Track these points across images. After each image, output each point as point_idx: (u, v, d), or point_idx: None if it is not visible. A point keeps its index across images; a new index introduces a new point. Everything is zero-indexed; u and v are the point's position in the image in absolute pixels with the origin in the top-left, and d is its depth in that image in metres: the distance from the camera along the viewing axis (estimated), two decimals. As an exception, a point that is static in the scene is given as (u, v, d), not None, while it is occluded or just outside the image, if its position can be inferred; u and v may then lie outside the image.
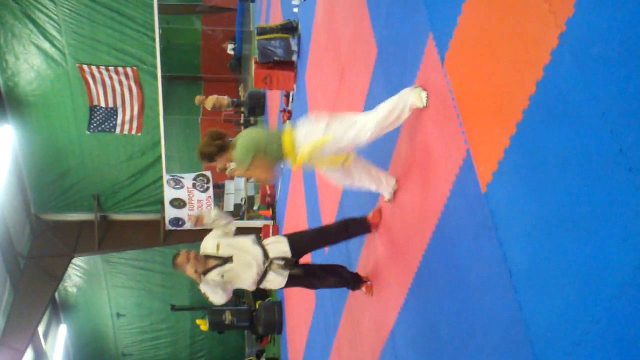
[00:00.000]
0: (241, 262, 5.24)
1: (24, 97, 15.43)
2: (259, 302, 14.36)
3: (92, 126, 16.15)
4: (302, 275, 5.52)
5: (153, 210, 17.67)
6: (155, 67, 15.39)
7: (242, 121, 17.46)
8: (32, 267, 16.34)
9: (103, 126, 16.25)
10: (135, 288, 19.90)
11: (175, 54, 18.71)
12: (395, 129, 4.97)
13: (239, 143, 4.82)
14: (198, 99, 16.17)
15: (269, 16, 14.41)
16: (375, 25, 5.75)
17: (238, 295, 17.26)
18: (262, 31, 10.68)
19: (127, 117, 16.31)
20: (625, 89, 2.36)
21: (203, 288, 5.14)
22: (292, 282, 5.51)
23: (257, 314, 13.87)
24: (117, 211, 17.84)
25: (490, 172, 3.39)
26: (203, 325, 15.33)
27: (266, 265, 5.30)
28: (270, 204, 15.15)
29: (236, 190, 17.19)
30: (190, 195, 16.11)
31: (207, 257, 5.26)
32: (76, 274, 19.11)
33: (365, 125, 4.54)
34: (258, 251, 5.31)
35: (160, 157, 16.16)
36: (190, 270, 5.10)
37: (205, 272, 5.20)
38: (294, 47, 10.53)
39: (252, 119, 17.13)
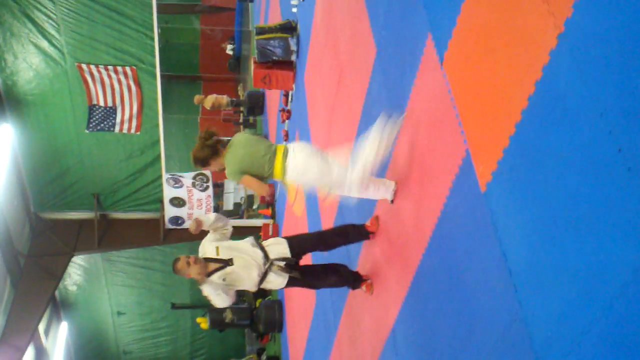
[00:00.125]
0: (242, 264, 5.25)
1: (22, 96, 15.43)
2: (259, 300, 14.38)
3: (91, 125, 16.16)
4: (303, 276, 5.55)
5: (153, 209, 17.69)
6: (154, 67, 15.40)
7: (241, 120, 17.46)
8: (32, 265, 16.36)
9: (102, 125, 16.26)
10: (136, 286, 19.92)
11: (174, 54, 18.69)
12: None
13: (228, 157, 4.99)
14: (197, 98, 16.17)
15: (267, 16, 14.41)
16: (374, 25, 5.76)
17: (239, 294, 17.28)
18: (261, 31, 10.69)
19: (126, 116, 16.32)
20: (624, 89, 2.37)
21: (206, 291, 5.16)
22: (292, 282, 5.53)
23: (257, 312, 13.90)
24: (117, 210, 17.87)
25: (490, 172, 3.40)
26: (203, 323, 15.35)
27: (267, 266, 5.33)
28: (270, 203, 15.17)
29: (235, 189, 17.20)
30: (190, 194, 16.13)
31: (207, 260, 5.26)
32: (76, 273, 19.13)
33: (352, 185, 4.93)
34: (258, 253, 5.33)
35: (159, 156, 16.17)
36: (194, 273, 5.10)
37: (207, 277, 5.22)
38: (293, 47, 10.54)
39: (251, 119, 17.13)
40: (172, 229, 17.17)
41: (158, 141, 16.08)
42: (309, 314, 9.33)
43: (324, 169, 4.97)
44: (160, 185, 16.44)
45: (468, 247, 3.70)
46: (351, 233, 5.71)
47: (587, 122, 2.57)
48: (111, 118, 16.22)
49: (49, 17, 14.83)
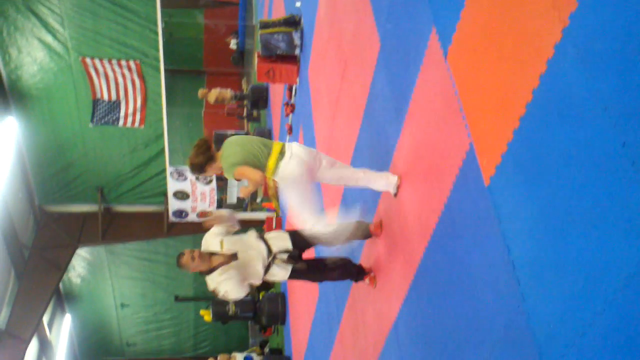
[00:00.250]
0: (247, 258, 5.28)
1: (27, 90, 15.45)
2: (262, 293, 14.42)
3: (95, 119, 16.18)
4: (306, 269, 5.59)
5: (156, 202, 17.73)
6: (158, 61, 15.40)
7: (244, 114, 17.46)
8: (37, 258, 16.41)
9: (106, 119, 16.27)
10: (139, 279, 19.97)
11: (178, 48, 18.68)
12: (399, 119, 5.02)
13: (223, 156, 5.05)
14: (201, 92, 16.18)
15: (271, 10, 14.39)
16: (378, 19, 5.76)
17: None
18: (265, 25, 10.68)
19: (130, 110, 16.34)
20: (629, 83, 2.37)
21: (224, 282, 5.18)
22: (295, 275, 5.58)
23: (260, 305, 13.93)
24: (121, 203, 17.90)
25: (494, 166, 3.41)
26: (207, 315, 15.39)
27: (270, 259, 5.36)
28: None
29: (239, 182, 17.22)
30: (194, 188, 16.16)
31: (211, 254, 5.30)
32: (80, 265, 19.19)
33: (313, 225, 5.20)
34: (262, 246, 5.37)
35: (163, 149, 16.20)
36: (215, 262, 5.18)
37: (210, 270, 5.25)
38: (297, 41, 10.53)
39: (254, 112, 17.13)
40: (175, 222, 17.21)
41: (162, 135, 16.10)
42: (311, 307, 9.35)
43: (303, 200, 5.12)
44: (164, 178, 16.47)
45: (471, 240, 3.71)
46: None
47: (591, 116, 2.58)
48: (115, 112, 16.23)
49: (53, 11, 14.83)
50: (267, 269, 5.38)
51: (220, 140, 14.80)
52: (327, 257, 6.00)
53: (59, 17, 14.82)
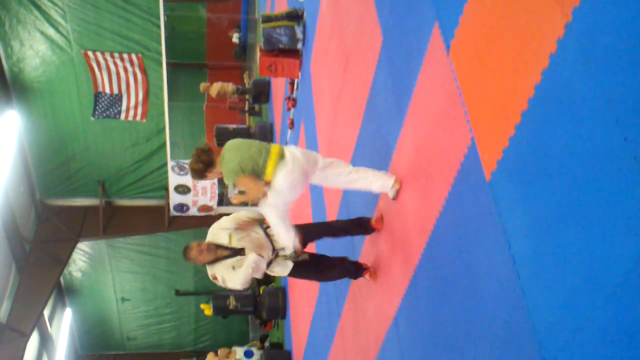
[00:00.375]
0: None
1: (29, 83, 15.43)
2: (263, 287, 14.44)
3: (96, 112, 16.16)
4: (307, 265, 5.63)
5: (158, 196, 17.72)
6: (160, 54, 15.38)
7: (246, 108, 17.46)
8: (38, 251, 16.42)
9: (108, 112, 16.26)
10: (140, 273, 19.98)
11: (180, 41, 18.67)
12: (400, 116, 5.02)
13: (223, 161, 5.05)
14: (203, 86, 16.17)
15: (274, 4, 14.38)
16: (381, 13, 5.75)
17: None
18: (267, 19, 10.67)
19: (132, 104, 16.32)
20: (631, 78, 2.37)
21: (251, 263, 5.20)
22: (295, 273, 5.64)
23: (261, 299, 13.96)
24: (122, 197, 17.90)
25: (495, 161, 3.41)
26: (207, 310, 15.41)
27: (273, 256, 5.40)
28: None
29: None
30: (195, 182, 16.16)
31: (218, 247, 5.32)
32: (81, 259, 19.21)
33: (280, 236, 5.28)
34: (269, 244, 5.42)
35: (164, 143, 16.18)
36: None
37: (214, 261, 5.27)
38: (299, 35, 10.52)
39: (256, 107, 17.12)
40: (177, 216, 17.21)
41: (163, 129, 16.08)
42: (312, 302, 9.36)
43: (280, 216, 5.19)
44: (166, 172, 16.46)
45: (472, 235, 3.71)
46: (355, 229, 5.83)
47: (593, 111, 2.58)
48: (117, 105, 16.22)
49: (55, 4, 14.80)
50: (269, 264, 5.42)
51: (222, 134, 14.86)
52: (326, 256, 6.03)
53: (61, 10, 14.80)
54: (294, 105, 11.68)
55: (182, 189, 16.31)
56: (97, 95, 16.01)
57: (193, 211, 16.93)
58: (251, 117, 17.94)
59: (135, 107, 16.34)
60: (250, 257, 5.16)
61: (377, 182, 5.16)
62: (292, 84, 11.76)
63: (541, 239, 2.93)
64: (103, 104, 16.09)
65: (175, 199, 16.58)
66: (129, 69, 15.89)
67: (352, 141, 6.71)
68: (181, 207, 16.79)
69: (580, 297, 2.60)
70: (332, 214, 7.68)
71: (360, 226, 5.77)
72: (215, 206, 16.87)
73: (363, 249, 6.26)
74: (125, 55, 15.73)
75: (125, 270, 19.80)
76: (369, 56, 6.05)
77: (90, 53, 15.47)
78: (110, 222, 17.61)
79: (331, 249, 7.28)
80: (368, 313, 6.10)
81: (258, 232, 5.50)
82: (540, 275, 2.93)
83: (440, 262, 4.22)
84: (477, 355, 3.58)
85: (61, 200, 17.46)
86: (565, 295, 2.71)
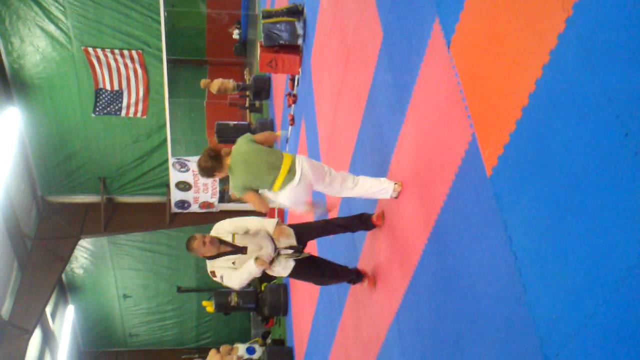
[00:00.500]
0: (255, 255, 5.32)
1: (29, 80, 15.44)
2: (264, 284, 14.44)
3: (97, 109, 16.17)
4: (308, 268, 5.69)
5: (159, 193, 17.75)
6: (161, 50, 15.38)
7: (247, 105, 17.44)
8: (39, 248, 16.44)
9: (108, 109, 16.27)
10: (142, 270, 20.01)
11: (181, 38, 18.62)
12: (402, 110, 5.01)
13: (232, 171, 5.17)
14: (203, 82, 16.15)
15: (274, 0, 14.37)
16: (381, 9, 5.73)
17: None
18: (267, 14, 10.64)
19: (133, 100, 16.32)
20: (632, 74, 2.36)
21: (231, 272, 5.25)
22: (295, 275, 5.68)
23: (263, 296, 13.95)
24: (123, 193, 17.92)
25: (496, 156, 3.40)
26: (209, 306, 15.41)
27: (275, 255, 5.41)
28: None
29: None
30: (196, 178, 16.16)
31: (222, 242, 5.34)
32: (83, 256, 19.23)
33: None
34: (270, 245, 5.43)
35: (165, 140, 16.20)
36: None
37: (215, 256, 5.28)
38: (300, 31, 10.49)
39: (257, 103, 17.10)
40: (178, 213, 17.23)
41: (164, 125, 16.09)
42: (313, 298, 9.36)
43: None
44: (167, 169, 16.47)
45: (473, 231, 3.70)
46: (356, 225, 5.85)
47: (594, 107, 2.57)
48: (117, 102, 16.22)
49: (56, 1, 14.79)
50: (270, 264, 5.43)
51: (222, 130, 14.84)
52: (327, 261, 6.11)
53: (62, 6, 14.79)
54: (294, 102, 11.66)
55: (183, 186, 16.31)
56: (98, 92, 16.02)
57: (194, 208, 16.95)
58: (252, 114, 17.91)
59: (136, 104, 16.35)
60: (251, 265, 5.18)
61: (379, 190, 5.21)
62: (292, 80, 11.74)
63: (543, 235, 2.92)
64: (104, 100, 16.09)
65: (176, 195, 16.59)
66: (130, 65, 15.89)
67: (353, 137, 6.70)
68: (182, 203, 16.80)
69: (582, 293, 2.59)
70: (333, 214, 7.68)
71: (361, 222, 5.78)
72: (216, 203, 16.89)
73: (364, 245, 6.26)
74: (125, 52, 15.73)
75: (126, 267, 19.83)
76: (370, 52, 6.03)
77: (90, 49, 15.46)
78: (112, 219, 17.63)
79: (332, 246, 7.28)
80: (369, 310, 6.09)
81: (261, 234, 5.53)
82: (541, 272, 2.92)
83: (442, 259, 4.21)
84: (478, 352, 3.57)
85: (62, 197, 17.48)
86: (567, 292, 2.70)
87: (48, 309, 17.11)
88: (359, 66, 6.56)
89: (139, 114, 16.51)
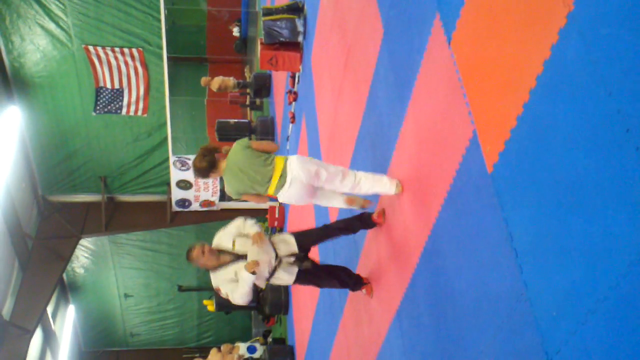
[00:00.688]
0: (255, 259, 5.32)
1: (30, 78, 15.43)
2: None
3: (98, 107, 16.16)
4: (310, 271, 5.68)
5: (159, 192, 17.74)
6: (161, 48, 15.37)
7: (247, 102, 17.44)
8: (40, 248, 16.44)
9: (109, 107, 16.26)
10: (143, 269, 20.01)
11: (181, 35, 18.61)
12: (402, 106, 4.99)
13: (226, 177, 5.20)
14: (204, 80, 16.14)
15: (274, -3, 14.35)
16: (382, 5, 5.72)
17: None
18: (268, 12, 10.63)
19: (133, 99, 16.32)
20: (633, 69, 2.35)
21: (234, 286, 5.23)
22: (299, 279, 5.65)
23: (263, 294, 13.95)
24: (124, 192, 17.92)
25: (497, 152, 3.39)
26: (210, 305, 15.43)
27: (276, 263, 5.39)
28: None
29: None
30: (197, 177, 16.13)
31: (221, 252, 5.32)
32: (84, 255, 19.23)
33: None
34: (271, 251, 5.42)
35: (166, 138, 16.19)
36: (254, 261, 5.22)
37: (217, 267, 5.27)
38: (300, 28, 10.48)
39: (257, 101, 17.09)
40: (179, 212, 17.23)
41: (165, 123, 16.09)
42: (314, 297, 9.36)
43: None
44: (167, 167, 16.47)
45: (474, 228, 3.69)
46: (357, 226, 5.84)
47: (596, 102, 2.56)
48: (118, 100, 16.22)
49: (56, -2, 14.81)
50: (272, 272, 5.42)
51: (223, 128, 14.83)
52: (328, 265, 6.14)
53: (62, 4, 14.78)
54: (295, 99, 11.65)
55: (184, 185, 16.31)
56: (99, 90, 16.01)
57: (195, 206, 16.94)
58: (252, 111, 17.91)
59: (137, 102, 16.35)
60: (245, 275, 5.15)
61: (379, 186, 5.18)
62: (293, 77, 11.73)
63: (543, 232, 2.91)
64: (104, 98, 16.09)
65: (177, 194, 16.59)
66: (130, 63, 15.88)
67: (354, 134, 6.68)
68: (183, 202, 16.80)
69: (584, 289, 2.59)
70: (333, 211, 7.66)
71: (362, 222, 5.76)
72: (217, 201, 16.88)
73: (365, 243, 6.25)
74: (126, 50, 15.72)
75: (127, 267, 19.83)
76: (370, 48, 6.02)
77: (91, 48, 15.46)
78: (113, 218, 17.63)
79: (334, 244, 7.26)
80: (371, 307, 6.09)
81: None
82: (542, 268, 2.91)
83: (443, 255, 4.20)
84: (479, 349, 3.57)
85: (63, 196, 17.48)
86: (568, 288, 2.69)
87: (49, 309, 17.12)
88: (359, 63, 6.55)
89: (139, 112, 16.50)
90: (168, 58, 15.41)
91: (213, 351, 12.96)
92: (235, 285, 5.24)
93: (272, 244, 5.49)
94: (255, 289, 13.97)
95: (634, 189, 2.33)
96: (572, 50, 2.73)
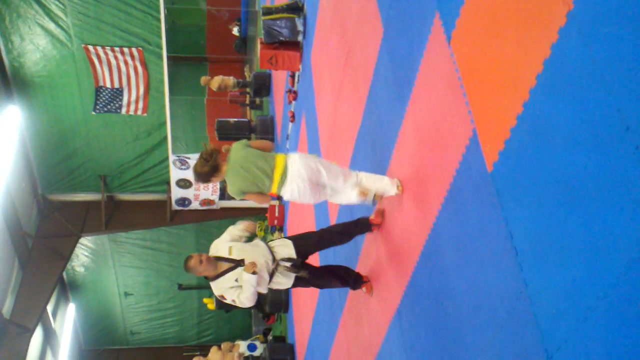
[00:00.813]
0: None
1: (29, 78, 15.43)
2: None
3: (98, 107, 16.16)
4: (308, 278, 5.66)
5: (159, 191, 17.76)
6: (161, 48, 15.38)
7: (247, 102, 17.44)
8: (40, 247, 16.46)
9: (109, 107, 16.26)
10: (143, 267, 20.03)
11: (181, 35, 18.61)
12: (402, 105, 5.00)
13: (228, 177, 5.16)
14: (204, 79, 16.15)
15: (274, -4, 14.34)
16: (382, 4, 5.72)
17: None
18: (267, 11, 10.63)
19: (133, 98, 16.32)
20: (633, 68, 2.35)
21: (249, 283, 5.21)
22: (298, 282, 5.66)
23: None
24: (124, 191, 17.93)
25: (497, 151, 3.39)
26: (210, 304, 15.45)
27: (273, 266, 5.39)
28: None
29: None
30: (197, 176, 16.13)
31: (219, 259, 5.33)
32: (84, 254, 19.25)
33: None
34: (269, 255, 5.42)
35: (166, 137, 16.21)
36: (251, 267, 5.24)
37: (217, 276, 5.27)
38: (300, 27, 10.48)
39: (257, 100, 17.10)
40: (178, 210, 17.25)
41: (165, 123, 16.10)
42: (314, 296, 9.36)
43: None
44: (167, 166, 16.48)
45: (474, 226, 3.70)
46: (354, 230, 5.82)
47: (595, 101, 2.56)
48: (118, 100, 16.22)
49: (56, -2, 14.81)
50: (271, 276, 5.43)
51: (223, 127, 14.83)
52: (327, 265, 6.14)
53: (62, 4, 14.78)
54: (295, 98, 11.66)
55: (184, 183, 16.32)
56: (98, 90, 16.01)
57: (195, 205, 16.96)
58: (252, 111, 17.92)
59: (136, 101, 16.34)
60: (247, 277, 5.16)
61: (380, 186, 5.19)
62: (292, 76, 11.73)
63: (543, 230, 2.92)
64: (104, 98, 16.09)
65: (176, 193, 16.60)
66: (130, 62, 15.88)
67: (354, 133, 6.69)
68: (183, 201, 16.81)
69: (584, 287, 2.59)
70: (333, 212, 7.67)
71: (358, 227, 5.76)
72: (217, 200, 16.90)
73: (365, 243, 6.25)
74: (125, 49, 15.72)
75: (127, 265, 19.85)
76: (370, 48, 6.02)
77: (90, 47, 15.46)
78: (113, 216, 17.65)
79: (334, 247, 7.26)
80: (371, 306, 6.09)
81: (258, 244, 5.53)
82: (542, 267, 2.91)
83: (443, 254, 4.20)
84: (480, 347, 3.57)
85: (63, 195, 17.49)
86: (568, 286, 2.70)
87: (49, 308, 17.13)
88: (359, 62, 6.55)
89: (139, 112, 16.50)
90: (168, 57, 15.42)
91: (213, 349, 12.98)
92: (239, 290, 5.25)
93: (270, 248, 5.50)
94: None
95: (633, 187, 2.33)
96: (572, 49, 2.73)
